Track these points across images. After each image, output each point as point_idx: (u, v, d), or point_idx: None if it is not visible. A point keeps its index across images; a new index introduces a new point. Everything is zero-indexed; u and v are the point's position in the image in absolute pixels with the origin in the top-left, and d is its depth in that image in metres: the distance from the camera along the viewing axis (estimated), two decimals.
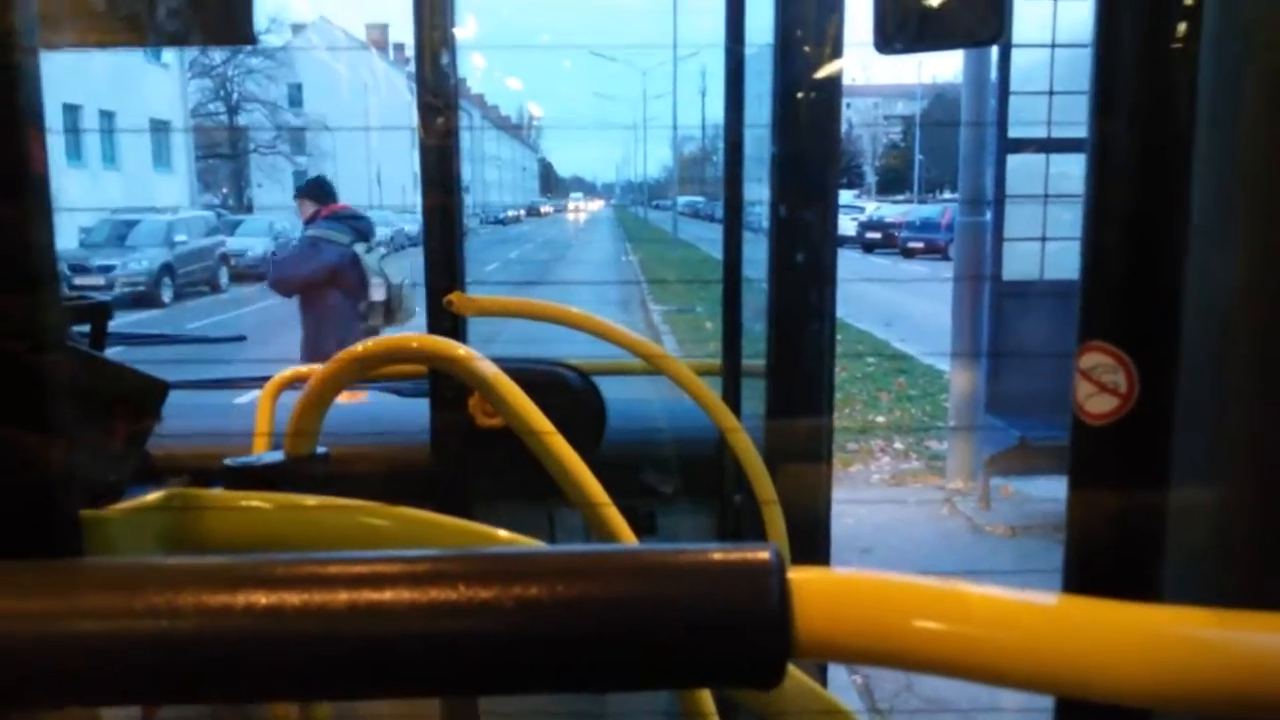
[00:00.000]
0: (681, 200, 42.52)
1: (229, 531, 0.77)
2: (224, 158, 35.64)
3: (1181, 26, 0.56)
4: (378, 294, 4.80)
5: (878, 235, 24.46)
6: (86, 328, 1.03)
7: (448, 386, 1.40)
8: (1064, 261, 4.69)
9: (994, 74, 5.11)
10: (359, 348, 0.95)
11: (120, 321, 1.27)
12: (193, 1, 1.12)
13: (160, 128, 26.44)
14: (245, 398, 1.87)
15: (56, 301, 0.57)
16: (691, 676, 0.45)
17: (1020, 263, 4.87)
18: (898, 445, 6.35)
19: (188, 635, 0.37)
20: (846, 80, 1.43)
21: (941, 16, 0.98)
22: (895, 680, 3.42)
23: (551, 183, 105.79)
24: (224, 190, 35.72)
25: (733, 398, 1.58)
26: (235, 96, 34.51)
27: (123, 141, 23.90)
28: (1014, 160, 4.85)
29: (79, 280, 12.99)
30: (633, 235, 33.28)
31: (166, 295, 14.56)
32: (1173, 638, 0.36)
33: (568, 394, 1.51)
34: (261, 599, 0.37)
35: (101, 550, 0.67)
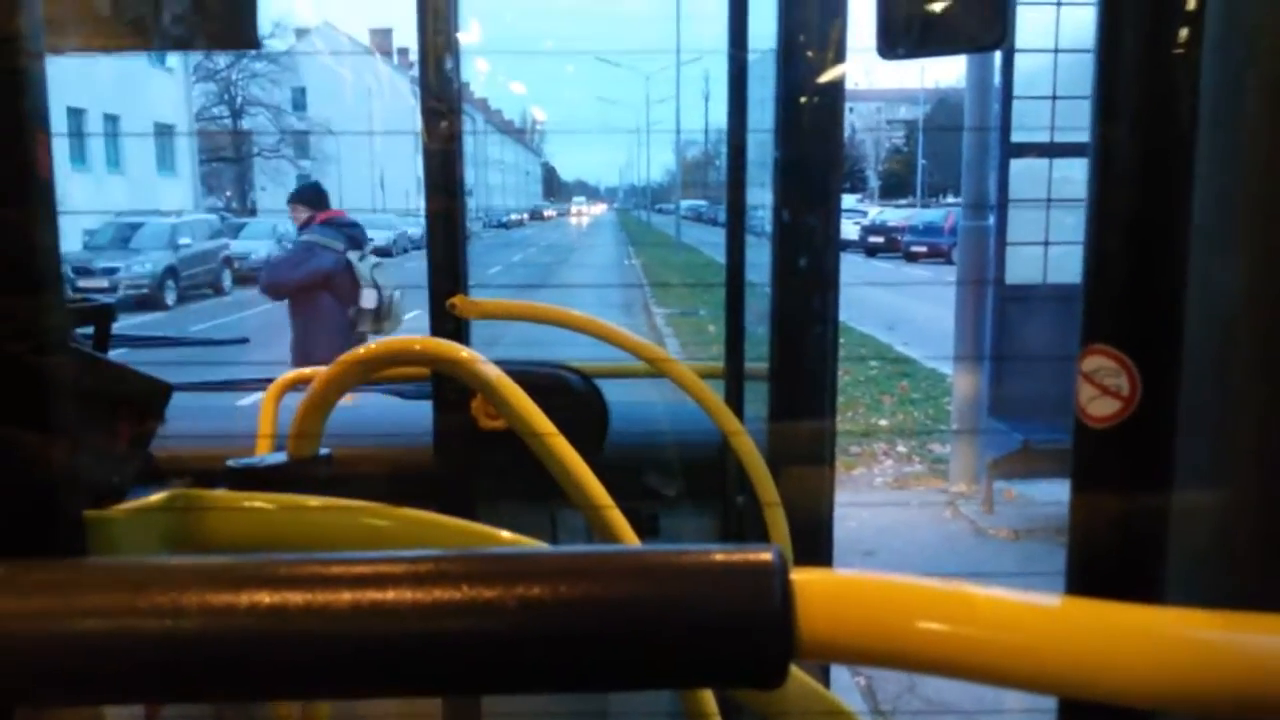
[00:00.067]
0: (684, 204, 42.55)
1: (232, 532, 0.77)
2: (228, 161, 35.71)
3: (1183, 31, 0.56)
4: (368, 301, 4.83)
5: (880, 239, 24.45)
6: (90, 330, 1.04)
7: (451, 389, 1.40)
8: (1067, 265, 4.69)
9: (997, 79, 5.12)
10: (362, 350, 0.95)
11: (124, 324, 1.28)
12: (197, 6, 1.12)
13: (164, 131, 26.49)
14: (248, 400, 1.87)
15: (61, 304, 0.57)
16: (694, 677, 0.45)
17: (1023, 267, 4.87)
18: (900, 448, 6.35)
19: (191, 635, 0.37)
20: (849, 85, 1.43)
21: (944, 21, 0.98)
22: (898, 682, 3.41)
23: (555, 187, 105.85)
24: (228, 193, 35.79)
25: (735, 401, 1.58)
26: (239, 100, 34.59)
27: (127, 145, 23.95)
28: (1017, 165, 4.86)
29: (83, 283, 13.02)
30: (636, 239, 33.31)
31: (170, 298, 14.59)
32: (1176, 639, 0.36)
33: (570, 396, 1.51)
34: (265, 599, 0.37)
35: (105, 550, 0.67)
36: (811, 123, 1.40)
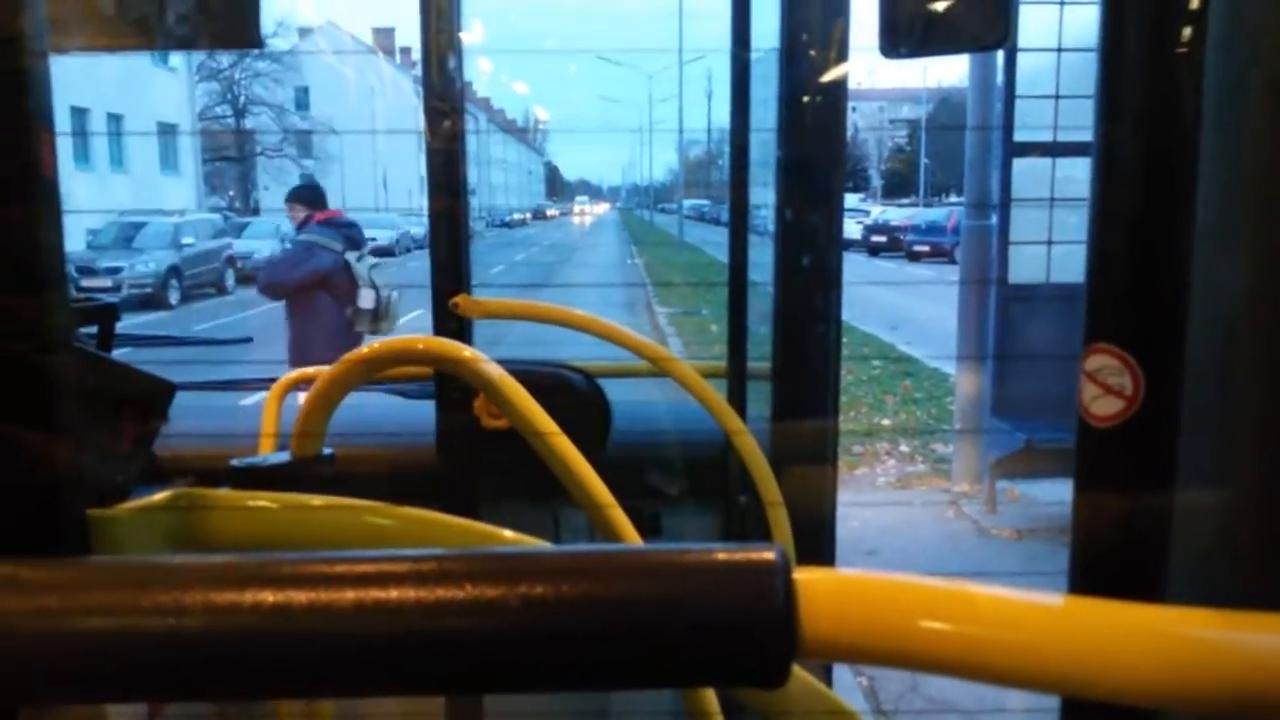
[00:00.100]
0: (687, 204, 42.56)
1: (235, 531, 0.77)
2: (231, 161, 35.73)
3: (1187, 31, 0.56)
4: (366, 301, 4.84)
5: (883, 239, 24.43)
6: (94, 329, 1.04)
7: (453, 388, 1.40)
8: (1069, 265, 4.69)
9: (1000, 78, 5.11)
10: (365, 349, 0.95)
11: (127, 323, 1.28)
12: (201, 6, 1.12)
13: (168, 131, 26.52)
14: (251, 399, 1.88)
15: (65, 303, 0.57)
16: (696, 676, 0.45)
17: (1026, 266, 4.86)
18: (903, 448, 6.34)
19: (194, 633, 0.38)
20: (852, 84, 1.43)
21: (947, 21, 0.98)
22: (900, 681, 3.41)
23: (557, 186, 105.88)
24: (231, 193, 35.80)
25: (738, 400, 1.58)
26: (242, 100, 34.59)
27: (130, 144, 23.97)
28: (1019, 164, 4.86)
29: (86, 282, 13.03)
30: (638, 238, 33.30)
31: (173, 297, 14.60)
32: (1179, 638, 0.36)
33: (573, 396, 1.51)
34: (268, 597, 0.37)
35: (109, 549, 0.67)
36: (814, 122, 1.40)
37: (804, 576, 0.38)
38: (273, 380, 1.30)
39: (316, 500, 0.79)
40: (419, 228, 21.24)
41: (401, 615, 0.37)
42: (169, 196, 24.63)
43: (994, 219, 5.25)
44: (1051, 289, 4.78)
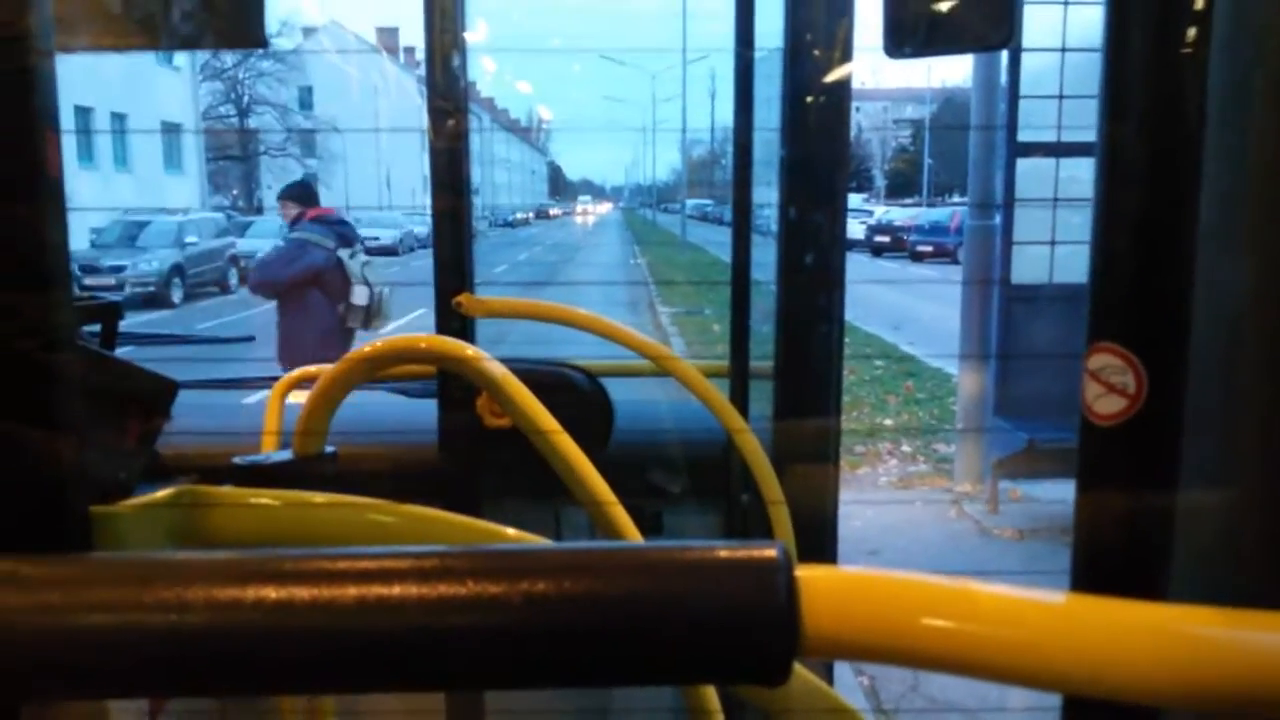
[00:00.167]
0: (690, 203, 42.56)
1: (237, 528, 0.78)
2: (234, 160, 35.75)
3: (1191, 31, 0.56)
4: (359, 298, 4.85)
5: (886, 239, 24.42)
6: (97, 327, 1.04)
7: (456, 387, 1.40)
8: (1073, 265, 4.68)
9: (1004, 78, 5.11)
10: (368, 348, 0.96)
11: (130, 321, 1.28)
12: (205, 4, 1.12)
13: (171, 130, 26.55)
14: (254, 397, 1.88)
15: (69, 301, 0.57)
16: (698, 673, 0.45)
17: (1029, 266, 4.86)
18: (905, 448, 6.34)
19: (196, 629, 0.38)
20: (856, 84, 1.43)
21: (951, 20, 0.98)
22: (901, 681, 3.41)
23: (560, 185, 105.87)
24: (234, 192, 35.84)
25: (740, 399, 1.58)
26: (246, 99, 34.62)
27: (134, 143, 24.01)
28: (1023, 164, 4.85)
29: (90, 280, 13.05)
30: (641, 238, 33.31)
31: (176, 296, 14.61)
32: (1181, 636, 0.36)
33: (575, 394, 1.51)
34: (271, 593, 0.37)
35: (111, 546, 0.68)
36: (818, 122, 1.40)
37: (806, 574, 0.38)
38: (275, 378, 1.30)
39: (319, 498, 0.79)
40: (422, 227, 21.25)
41: (403, 612, 0.37)
42: (173, 195, 24.67)
43: (997, 219, 5.25)
44: (1054, 289, 4.78)
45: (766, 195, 1.54)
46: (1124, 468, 0.61)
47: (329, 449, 0.95)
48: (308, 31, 39.91)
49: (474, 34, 1.40)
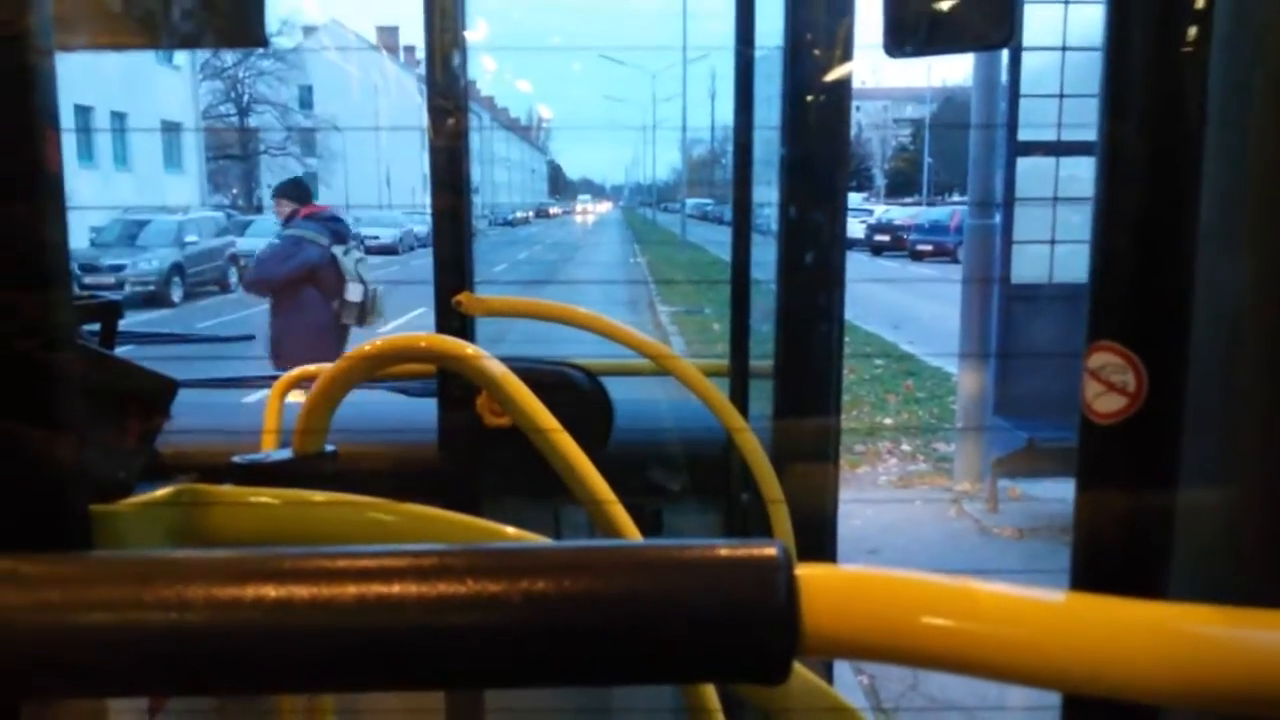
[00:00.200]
0: (690, 202, 42.57)
1: (237, 527, 0.78)
2: (234, 159, 35.74)
3: (1192, 30, 0.56)
4: (354, 295, 4.86)
5: (886, 238, 24.41)
6: (97, 326, 1.04)
7: (456, 386, 1.40)
8: (1073, 264, 4.68)
9: (1004, 77, 5.11)
10: (368, 346, 0.96)
11: (130, 320, 1.28)
12: (206, 3, 1.12)
13: (171, 129, 26.55)
14: (254, 396, 1.88)
15: (69, 300, 0.57)
16: (698, 672, 0.45)
17: (1029, 265, 4.86)
18: (905, 447, 6.34)
19: (196, 628, 0.38)
20: (856, 83, 1.43)
21: (952, 19, 0.98)
22: (900, 680, 3.41)
23: (560, 185, 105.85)
24: (234, 191, 35.82)
25: (740, 398, 1.58)
26: (246, 98, 34.61)
27: (134, 142, 24.00)
28: (1023, 163, 4.85)
29: (90, 279, 13.04)
30: (641, 237, 33.32)
31: (176, 295, 14.61)
32: (1181, 634, 0.36)
33: (575, 393, 1.51)
34: (270, 592, 0.37)
35: (111, 544, 0.68)
36: (818, 121, 1.40)
37: (805, 572, 0.38)
38: (275, 378, 1.30)
39: (319, 496, 0.79)
40: (422, 226, 21.24)
41: (403, 610, 0.37)
42: (172, 194, 24.67)
43: (997, 218, 5.25)
44: (1054, 288, 4.78)
45: (767, 194, 1.54)
46: (1124, 466, 0.61)
47: (329, 448, 0.95)
48: (308, 30, 39.90)
49: (474, 33, 1.40)
